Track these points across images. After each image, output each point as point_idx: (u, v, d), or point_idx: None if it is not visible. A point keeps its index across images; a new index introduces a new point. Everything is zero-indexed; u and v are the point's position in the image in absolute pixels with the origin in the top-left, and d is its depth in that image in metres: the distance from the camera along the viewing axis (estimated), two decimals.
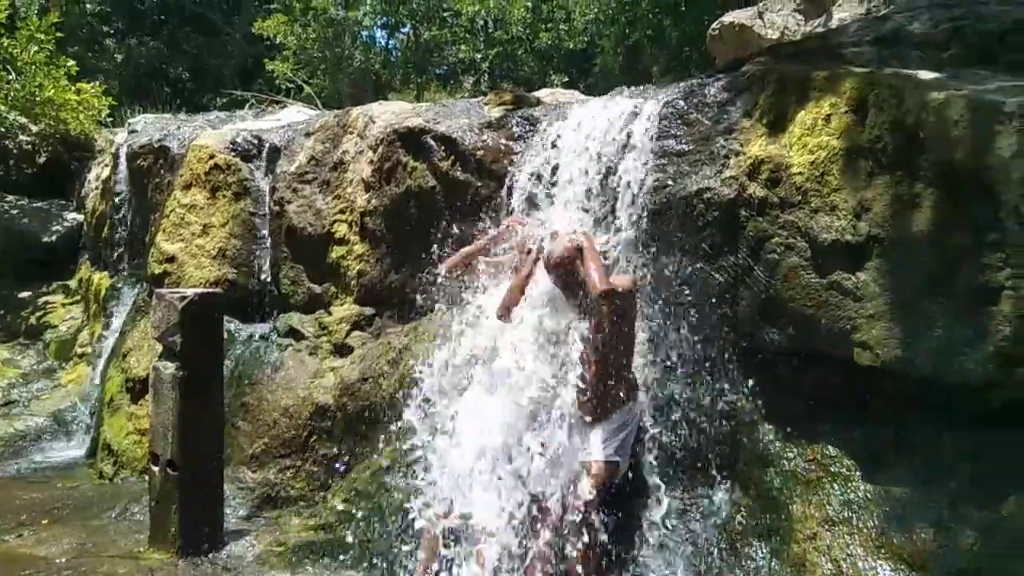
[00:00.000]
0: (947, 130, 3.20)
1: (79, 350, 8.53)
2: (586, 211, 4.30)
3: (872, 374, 3.41)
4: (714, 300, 3.91)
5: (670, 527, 3.77)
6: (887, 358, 3.32)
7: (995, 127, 3.09)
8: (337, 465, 5.05)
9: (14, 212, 10.08)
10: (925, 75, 3.50)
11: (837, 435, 3.57)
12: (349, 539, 4.41)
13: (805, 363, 3.67)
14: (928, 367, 3.23)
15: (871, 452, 3.46)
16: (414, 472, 4.22)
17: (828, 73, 3.71)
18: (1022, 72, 3.43)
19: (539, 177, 4.55)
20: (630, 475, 3.85)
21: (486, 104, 5.45)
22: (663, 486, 3.86)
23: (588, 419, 3.78)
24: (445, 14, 16.75)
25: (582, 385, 3.78)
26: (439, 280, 4.58)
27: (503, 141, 4.89)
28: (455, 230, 4.88)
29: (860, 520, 3.35)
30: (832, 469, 3.52)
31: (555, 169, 4.49)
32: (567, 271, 3.84)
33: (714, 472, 3.81)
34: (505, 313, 4.07)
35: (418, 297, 5.01)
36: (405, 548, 4.17)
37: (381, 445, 4.66)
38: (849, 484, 3.46)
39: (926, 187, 3.26)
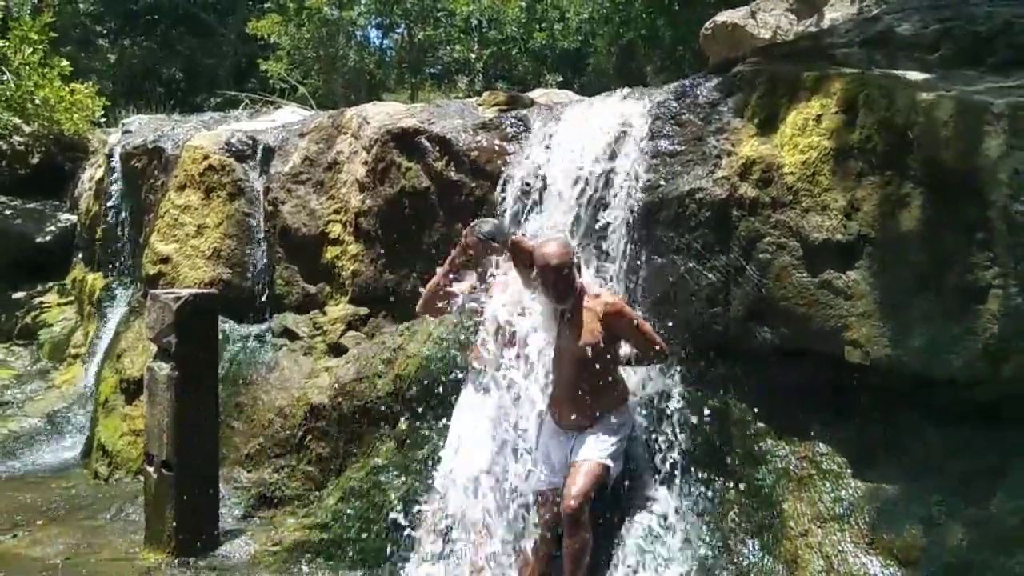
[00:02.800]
0: (936, 130, 3.23)
1: (73, 351, 8.52)
2: (578, 209, 4.31)
3: (862, 372, 3.43)
4: (706, 299, 3.94)
5: (663, 525, 3.79)
6: (877, 356, 3.35)
7: (983, 128, 3.12)
8: (331, 464, 5.07)
9: (7, 213, 10.06)
10: (915, 76, 3.53)
11: (828, 433, 3.60)
12: (344, 538, 4.42)
13: (796, 361, 3.69)
14: (917, 365, 3.26)
15: (862, 449, 3.49)
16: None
17: (818, 74, 3.74)
18: (1010, 73, 3.46)
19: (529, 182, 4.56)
20: (625, 482, 3.87)
21: (480, 104, 5.47)
22: (658, 484, 3.88)
23: (576, 427, 3.79)
24: (439, 14, 16.76)
25: (559, 395, 3.80)
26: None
27: (497, 142, 4.90)
28: (449, 230, 4.89)
29: (851, 517, 3.38)
30: (823, 466, 3.55)
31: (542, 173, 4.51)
32: (567, 275, 3.69)
33: (706, 470, 3.83)
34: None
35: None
36: (401, 546, 4.19)
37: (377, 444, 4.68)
38: (840, 481, 3.48)
39: (915, 187, 3.28)
